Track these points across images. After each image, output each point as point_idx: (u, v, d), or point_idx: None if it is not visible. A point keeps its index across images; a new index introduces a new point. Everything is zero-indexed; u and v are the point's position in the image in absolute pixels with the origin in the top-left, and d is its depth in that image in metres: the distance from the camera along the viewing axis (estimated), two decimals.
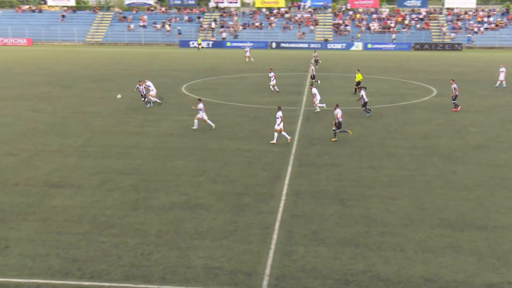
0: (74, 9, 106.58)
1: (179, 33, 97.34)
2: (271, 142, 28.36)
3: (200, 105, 31.33)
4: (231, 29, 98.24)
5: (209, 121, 31.55)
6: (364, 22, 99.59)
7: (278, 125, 28.25)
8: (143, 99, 37.14)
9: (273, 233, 17.33)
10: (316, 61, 63.23)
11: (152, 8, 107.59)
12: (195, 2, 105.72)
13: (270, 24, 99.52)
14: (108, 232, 17.33)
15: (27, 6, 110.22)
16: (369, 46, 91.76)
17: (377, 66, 64.86)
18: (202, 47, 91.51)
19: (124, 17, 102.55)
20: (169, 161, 25.19)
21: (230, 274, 14.80)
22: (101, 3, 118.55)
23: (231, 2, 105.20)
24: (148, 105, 37.18)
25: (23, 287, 14.07)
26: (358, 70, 45.53)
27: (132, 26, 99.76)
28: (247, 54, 68.68)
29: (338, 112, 28.45)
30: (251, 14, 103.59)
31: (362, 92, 35.26)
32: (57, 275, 14.68)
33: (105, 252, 15.95)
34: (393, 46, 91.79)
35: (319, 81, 49.25)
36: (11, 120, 33.59)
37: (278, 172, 23.53)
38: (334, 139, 28.93)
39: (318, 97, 36.38)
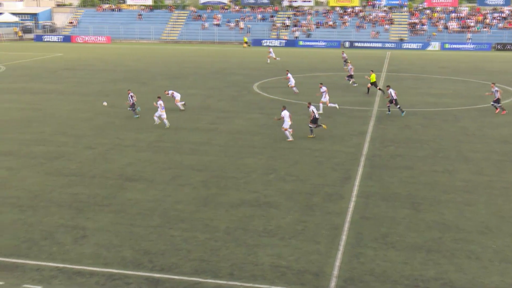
0: (151, 8, 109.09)
1: (248, 32, 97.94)
2: (287, 140, 28.54)
3: (160, 102, 31.37)
4: (304, 28, 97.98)
5: (165, 120, 31.44)
6: (442, 21, 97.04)
7: (284, 123, 28.66)
8: (130, 108, 34.05)
9: (342, 234, 17.16)
10: (346, 61, 61.53)
11: (226, 7, 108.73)
12: (268, 1, 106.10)
13: (344, 23, 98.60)
14: (178, 226, 17.66)
15: (107, 5, 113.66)
16: (447, 46, 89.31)
17: (454, 67, 63.06)
18: (249, 45, 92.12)
19: (199, 16, 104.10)
20: (240, 158, 25.39)
21: (297, 273, 14.77)
22: (177, 2, 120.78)
23: (304, 1, 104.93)
24: (136, 116, 34.11)
25: (97, 275, 14.54)
26: (372, 71, 44.51)
27: (206, 24, 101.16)
28: (271, 54, 66.49)
29: (314, 109, 29.10)
30: (325, 13, 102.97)
31: (391, 90, 34.98)
32: (129, 266, 15.08)
33: (175, 246, 16.25)
34: (472, 46, 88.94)
35: (356, 83, 48.04)
36: (90, 115, 34.76)
37: (348, 173, 23.28)
38: (311, 136, 29.19)
39: (327, 97, 35.80)
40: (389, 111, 35.59)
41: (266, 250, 16.05)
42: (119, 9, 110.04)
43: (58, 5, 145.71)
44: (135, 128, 31.21)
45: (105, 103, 35.52)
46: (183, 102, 36.74)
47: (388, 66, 63.97)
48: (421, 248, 16.30)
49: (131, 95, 33.93)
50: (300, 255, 15.76)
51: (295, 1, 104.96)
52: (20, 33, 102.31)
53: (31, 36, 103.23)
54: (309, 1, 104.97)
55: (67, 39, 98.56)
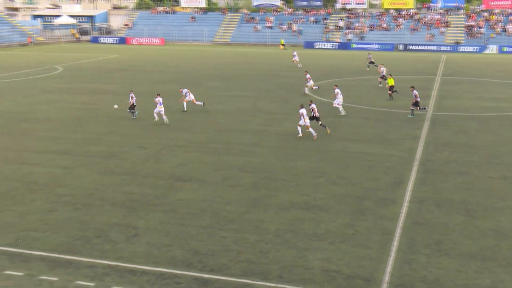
0: (204, 11, 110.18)
1: (300, 33, 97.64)
2: (298, 136, 29.47)
3: (159, 99, 32.69)
4: (357, 30, 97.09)
5: (164, 116, 32.70)
6: (500, 24, 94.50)
7: (304, 121, 29.11)
8: (128, 110, 34.25)
9: (394, 240, 16.85)
10: (372, 62, 60.94)
11: (279, 9, 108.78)
12: (321, 3, 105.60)
13: (398, 25, 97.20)
14: (228, 227, 17.70)
15: (162, 8, 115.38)
16: (505, 49, 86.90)
17: None
18: (285, 48, 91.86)
19: (252, 18, 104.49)
20: (290, 160, 25.29)
21: (347, 278, 14.57)
22: (230, 5, 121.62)
23: (358, 3, 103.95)
24: (134, 117, 34.38)
25: (148, 274, 14.70)
26: (390, 75, 43.55)
27: (258, 27, 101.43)
28: (295, 58, 65.19)
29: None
30: (378, 15, 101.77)
31: (415, 92, 35.12)
32: (179, 265, 15.19)
33: (225, 247, 16.29)
34: None
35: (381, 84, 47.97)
36: (143, 115, 35.26)
37: (400, 178, 22.88)
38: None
39: (339, 99, 35.55)
40: (412, 114, 35.27)
41: (316, 254, 15.91)
42: (173, 12, 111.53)
43: (114, 8, 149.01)
44: (187, 129, 31.50)
45: (116, 106, 35.00)
46: (201, 103, 37.04)
47: (444, 69, 62.67)
48: (476, 256, 15.84)
49: (131, 96, 34.08)
50: (351, 260, 15.55)
51: (349, 4, 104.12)
52: (77, 35, 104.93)
53: (88, 38, 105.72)
54: (363, 4, 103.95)
55: (122, 41, 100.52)
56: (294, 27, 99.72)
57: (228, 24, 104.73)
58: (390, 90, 41.72)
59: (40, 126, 32.13)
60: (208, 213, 18.94)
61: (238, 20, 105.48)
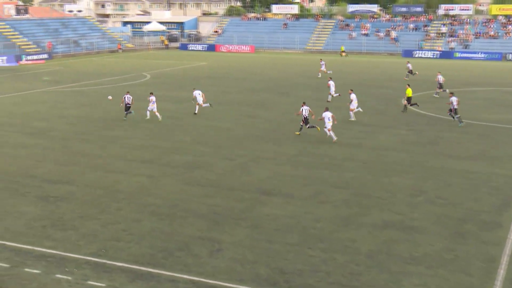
0: (297, 17, 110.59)
1: (396, 41, 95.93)
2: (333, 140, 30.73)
3: (152, 97, 36.57)
4: (461, 38, 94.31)
5: (157, 113, 36.50)
6: None
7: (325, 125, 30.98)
8: (126, 111, 36.94)
9: (500, 268, 16.07)
10: (410, 72, 59.66)
11: (376, 16, 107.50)
12: (422, 10, 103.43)
13: (507, 33, 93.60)
14: (317, 246, 17.51)
15: (252, 14, 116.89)
16: None
17: None
18: (346, 55, 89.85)
19: (346, 25, 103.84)
20: (385, 176, 24.78)
21: None
22: (324, 11, 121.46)
23: (463, 9, 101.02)
24: (125, 118, 36.96)
25: None
26: (408, 85, 41.61)
27: (353, 34, 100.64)
28: (323, 68, 63.09)
29: (306, 109, 32.19)
30: (485, 22, 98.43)
31: (453, 98, 35.35)
32: (264, 284, 15.15)
33: (313, 267, 16.11)
34: None
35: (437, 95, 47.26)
36: (230, 125, 35.73)
37: (508, 199, 21.87)
38: (297, 133, 32.53)
39: (354, 104, 36.99)
40: (460, 122, 35.46)
41: (411, 279, 15.43)
42: (264, 18, 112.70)
43: (204, 14, 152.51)
44: (276, 140, 31.59)
45: (110, 97, 39.20)
46: (208, 104, 39.80)
47: None
48: None
49: (127, 97, 37.02)
50: (450, 287, 14.95)
51: (452, 10, 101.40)
52: (166, 42, 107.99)
53: (177, 44, 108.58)
54: (468, 10, 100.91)
55: (211, 48, 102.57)
56: (393, 34, 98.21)
57: (321, 31, 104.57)
58: (407, 101, 40.46)
59: (127, 134, 33.22)
60: (296, 230, 18.83)
61: (332, 27, 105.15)
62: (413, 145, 30.59)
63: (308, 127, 32.45)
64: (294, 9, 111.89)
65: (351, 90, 38.57)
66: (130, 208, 20.91)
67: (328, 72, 61.71)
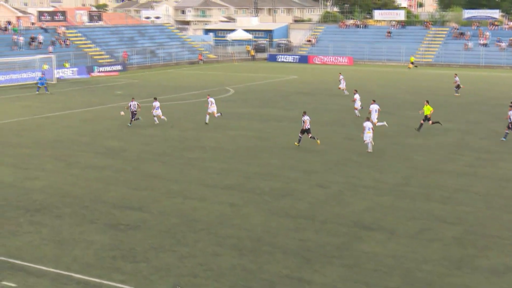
0: (403, 24, 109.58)
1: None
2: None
3: (155, 103, 42.50)
4: None
5: (162, 117, 42.39)
6: None
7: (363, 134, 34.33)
8: (132, 117, 42.19)
9: None
10: (458, 86, 59.85)
11: (497, 23, 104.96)
12: None
13: None
14: None
15: (351, 21, 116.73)
16: None
17: None
18: (415, 66, 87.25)
19: (461, 34, 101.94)
20: (507, 212, 24.11)
21: None
22: (435, 17, 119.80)
23: None
24: (131, 124, 42.26)
25: None
26: (427, 102, 40.42)
27: (470, 44, 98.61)
28: (342, 85, 60.35)
29: (307, 119, 35.34)
30: None
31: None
32: None
33: None
34: None
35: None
36: (324, 147, 35.69)
37: None
38: (297, 144, 35.66)
39: (374, 115, 39.65)
40: (504, 137, 37.19)
41: None
42: (365, 26, 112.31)
43: (296, 21, 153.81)
44: (376, 166, 31.32)
45: (122, 113, 42.78)
46: (219, 114, 43.60)
47: None
48: None
49: (132, 104, 41.88)
50: None
51: None
52: (253, 52, 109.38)
53: (264, 55, 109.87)
54: None
55: (303, 59, 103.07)
56: None
57: (432, 40, 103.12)
58: (424, 120, 40.30)
59: (207, 156, 33.84)
60: (398, 272, 18.55)
61: (444, 35, 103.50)
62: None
63: (311, 138, 35.52)
64: (400, 15, 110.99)
65: (356, 90, 47.53)
66: (208, 240, 21.22)
67: (344, 90, 60.06)
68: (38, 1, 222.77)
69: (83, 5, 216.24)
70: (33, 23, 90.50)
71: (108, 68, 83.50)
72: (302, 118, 35.60)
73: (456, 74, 63.49)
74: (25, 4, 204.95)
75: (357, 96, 46.80)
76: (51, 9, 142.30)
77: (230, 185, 28.10)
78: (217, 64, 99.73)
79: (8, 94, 59.00)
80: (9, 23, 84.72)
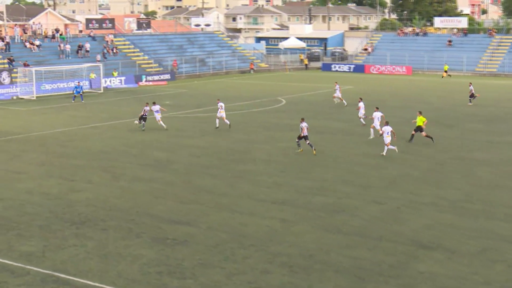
0: (465, 32, 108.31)
1: None
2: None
3: (155, 107, 45.00)
4: None
5: (161, 122, 44.94)
6: None
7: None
8: (141, 121, 44.88)
9: None
10: (473, 95, 59.80)
11: None
12: None
13: None
14: None
15: (410, 29, 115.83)
16: None
17: None
18: (449, 75, 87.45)
19: None
20: None
21: None
22: (499, 25, 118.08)
23: None
24: (143, 128, 44.95)
25: None
26: (420, 112, 40.59)
27: None
28: (337, 93, 60.49)
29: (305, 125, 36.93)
30: None
31: None
32: None
33: None
34: None
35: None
36: (381, 161, 35.47)
37: None
38: (300, 150, 37.37)
39: (377, 123, 41.75)
40: None
41: None
42: (424, 33, 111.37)
43: (351, 29, 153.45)
44: (436, 182, 30.98)
45: (136, 122, 45.40)
46: (228, 122, 45.94)
47: None
48: None
49: (146, 109, 44.44)
50: None
51: None
52: (306, 61, 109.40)
53: (318, 64, 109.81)
54: None
55: (359, 68, 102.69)
56: None
57: (496, 49, 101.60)
58: (415, 131, 40.49)
59: (258, 169, 33.94)
60: None
61: (509, 44, 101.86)
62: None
63: (308, 144, 36.90)
64: (462, 23, 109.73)
65: (360, 98, 48.42)
66: (258, 257, 21.26)
67: (341, 99, 60.23)
68: (86, 8, 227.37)
69: (132, 12, 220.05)
70: (80, 31, 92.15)
71: (156, 77, 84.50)
72: (300, 125, 37.08)
73: (470, 83, 63.00)
74: (73, 12, 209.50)
75: (361, 104, 47.47)
76: (99, 16, 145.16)
77: (281, 199, 28.12)
78: (269, 73, 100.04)
79: (55, 103, 60.14)
80: (57, 30, 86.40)
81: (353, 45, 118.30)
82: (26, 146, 40.30)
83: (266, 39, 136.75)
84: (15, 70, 71.23)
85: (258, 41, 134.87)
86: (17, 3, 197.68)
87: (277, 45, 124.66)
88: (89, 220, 25.27)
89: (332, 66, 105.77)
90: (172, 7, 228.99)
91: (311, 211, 26.41)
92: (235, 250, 21.93)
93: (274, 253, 21.57)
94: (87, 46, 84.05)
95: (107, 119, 51.55)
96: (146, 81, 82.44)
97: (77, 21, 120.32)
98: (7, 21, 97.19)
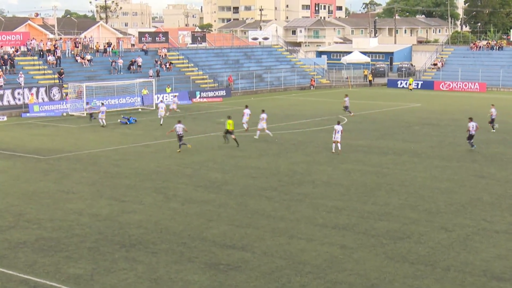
0: None
1: None
2: None
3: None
4: None
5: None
6: None
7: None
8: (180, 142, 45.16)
9: None
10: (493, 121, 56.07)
11: None
12: None
13: None
14: None
15: (484, 42, 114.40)
16: None
17: None
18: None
19: None
20: None
21: None
22: None
23: None
24: (180, 149, 45.20)
25: None
26: None
27: None
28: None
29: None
30: None
31: None
32: None
33: None
34: None
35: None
36: (451, 185, 35.16)
37: None
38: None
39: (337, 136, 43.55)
40: None
41: None
42: (500, 47, 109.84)
43: (420, 42, 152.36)
44: (510, 208, 30.57)
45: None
46: (246, 126, 50.69)
47: None
48: None
49: (178, 126, 44.58)
50: None
51: None
52: (370, 77, 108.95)
53: (383, 80, 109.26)
54: None
55: (428, 85, 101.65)
56: None
57: None
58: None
59: (318, 192, 34.00)
60: None
61: None
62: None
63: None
64: None
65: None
66: (316, 285, 21.32)
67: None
68: (139, 21, 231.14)
69: (186, 25, 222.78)
70: (133, 45, 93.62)
71: (211, 94, 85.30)
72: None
73: (493, 105, 58.33)
74: (126, 25, 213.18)
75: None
76: (152, 29, 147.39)
77: (342, 225, 28.12)
78: (330, 90, 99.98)
79: (106, 120, 61.26)
80: (109, 44, 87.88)
81: (422, 60, 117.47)
82: (76, 164, 41.21)
83: (327, 53, 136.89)
84: (65, 85, 72.76)
85: (319, 56, 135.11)
86: (68, 16, 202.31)
87: (339, 59, 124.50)
88: (140, 243, 25.70)
89: (399, 82, 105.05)
90: (229, 20, 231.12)
91: (374, 237, 26.35)
92: (291, 277, 22.03)
93: (333, 282, 21.59)
94: (139, 60, 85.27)
95: (160, 137, 52.22)
96: (200, 97, 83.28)
97: (129, 34, 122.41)
98: (58, 34, 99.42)
